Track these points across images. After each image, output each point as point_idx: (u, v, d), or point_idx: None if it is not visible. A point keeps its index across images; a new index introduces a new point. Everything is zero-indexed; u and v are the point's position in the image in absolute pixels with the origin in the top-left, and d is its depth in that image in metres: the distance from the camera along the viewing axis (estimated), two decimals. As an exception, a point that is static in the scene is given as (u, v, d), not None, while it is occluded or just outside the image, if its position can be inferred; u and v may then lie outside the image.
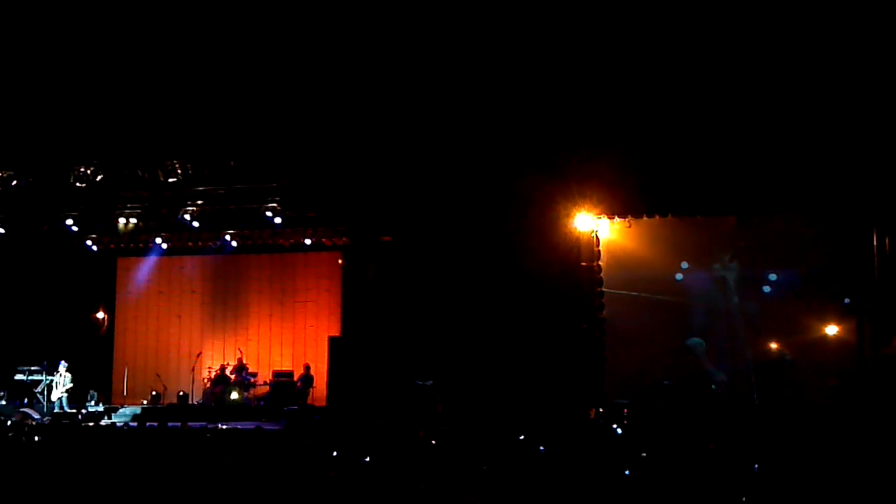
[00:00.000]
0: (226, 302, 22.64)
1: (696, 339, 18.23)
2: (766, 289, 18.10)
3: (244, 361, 21.09)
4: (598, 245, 18.11)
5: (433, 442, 12.57)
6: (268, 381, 20.70)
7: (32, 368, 20.31)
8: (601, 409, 16.97)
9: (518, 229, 17.97)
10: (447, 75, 16.87)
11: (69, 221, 20.43)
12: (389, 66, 16.75)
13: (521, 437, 12.67)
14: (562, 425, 15.03)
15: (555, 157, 17.25)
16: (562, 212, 17.80)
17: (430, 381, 17.95)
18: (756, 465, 9.94)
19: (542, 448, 11.47)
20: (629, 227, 18.11)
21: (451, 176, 17.95)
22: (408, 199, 18.51)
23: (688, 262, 18.46)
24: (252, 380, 20.77)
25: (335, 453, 11.78)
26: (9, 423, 16.74)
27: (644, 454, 11.10)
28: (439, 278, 18.98)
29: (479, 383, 17.58)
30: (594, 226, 18.04)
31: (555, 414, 16.16)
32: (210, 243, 21.63)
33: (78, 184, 19.12)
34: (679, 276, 18.48)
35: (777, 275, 18.04)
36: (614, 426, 15.17)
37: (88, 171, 19.12)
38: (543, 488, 9.82)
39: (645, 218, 17.92)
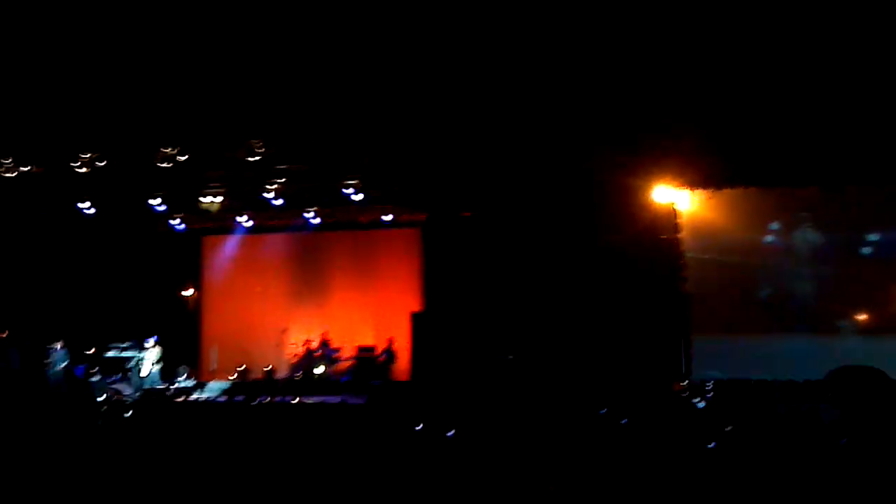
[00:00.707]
0: (309, 278, 22.99)
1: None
2: (866, 250, 17.76)
3: (328, 337, 21.44)
4: (678, 217, 18.00)
5: (515, 414, 12.71)
6: (351, 356, 21.05)
7: (123, 345, 20.90)
8: (686, 383, 16.91)
9: (597, 202, 17.96)
10: (523, 49, 16.85)
11: (155, 201, 20.94)
12: (467, 43, 16.79)
13: (603, 411, 12.75)
14: (645, 399, 15.04)
15: (633, 129, 17.17)
16: (641, 184, 17.74)
17: (512, 356, 18.02)
18: (843, 440, 9.89)
19: (624, 421, 11.55)
20: (710, 198, 17.96)
21: (529, 150, 17.97)
22: (486, 174, 18.58)
23: (774, 228, 18.21)
24: (336, 355, 21.14)
25: (419, 427, 12.00)
26: (101, 399, 17.37)
27: (729, 428, 11.11)
28: (519, 252, 19.05)
29: (561, 357, 17.63)
30: (674, 197, 17.93)
31: (638, 388, 16.16)
32: (292, 221, 21.89)
33: (163, 164, 19.57)
34: (769, 238, 18.20)
35: (868, 243, 17.74)
36: (696, 400, 15.13)
37: (173, 152, 19.53)
38: (626, 460, 9.91)
39: (727, 189, 17.74)
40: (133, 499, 9.81)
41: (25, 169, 20.05)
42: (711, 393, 15.72)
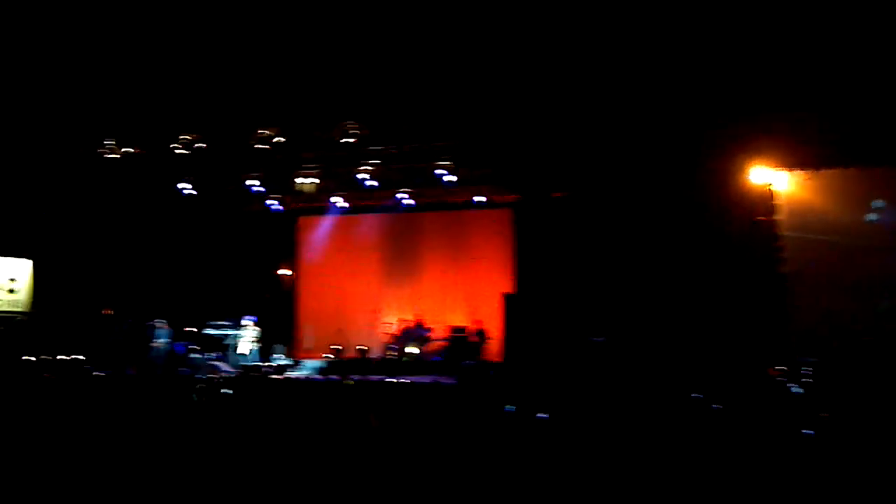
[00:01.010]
0: (401, 259, 23.27)
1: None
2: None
3: (420, 317, 21.68)
4: (775, 198, 17.66)
5: (607, 397, 12.69)
6: (443, 337, 21.20)
7: (222, 323, 21.37)
8: (782, 368, 16.61)
9: (692, 183, 17.74)
10: (618, 29, 16.70)
11: (252, 182, 21.36)
12: (560, 21, 16.71)
13: (696, 395, 12.65)
14: (739, 383, 14.86)
15: (731, 109, 16.89)
16: (737, 165, 17.46)
17: (604, 338, 17.95)
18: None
19: (716, 406, 11.45)
20: (809, 179, 17.57)
21: (623, 130, 17.82)
22: (579, 155, 18.48)
23: (876, 207, 17.67)
24: (428, 335, 21.35)
25: (510, 408, 12.07)
26: (199, 375, 17.84)
27: (825, 414, 10.94)
28: (612, 234, 18.94)
29: (654, 340, 17.48)
30: (771, 179, 17.59)
31: (732, 372, 15.96)
32: (385, 201, 22.12)
33: (260, 146, 19.96)
34: (871, 216, 17.65)
35: None
36: (792, 385, 14.87)
37: (270, 134, 19.90)
38: (718, 445, 9.84)
39: (826, 170, 17.32)
40: (229, 472, 10.09)
41: (128, 150, 20.65)
42: (808, 378, 15.42)
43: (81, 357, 19.53)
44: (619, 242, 18.81)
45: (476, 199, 21.47)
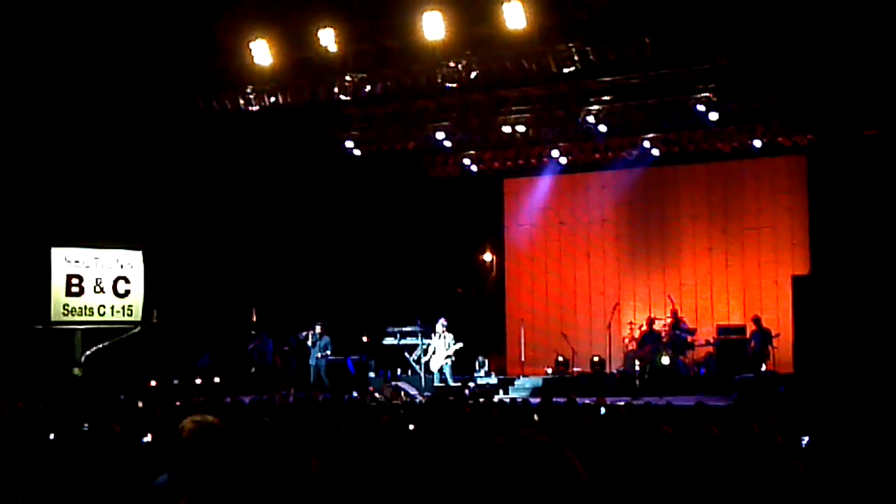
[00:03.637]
0: (648, 233, 23.15)
1: None
2: None
3: (679, 314, 21.35)
4: None
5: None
6: (710, 340, 20.93)
7: (405, 329, 21.57)
8: None
9: None
10: None
11: (440, 135, 21.49)
12: None
13: None
14: None
15: None
16: None
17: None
18: None
19: None
20: None
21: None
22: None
23: None
24: (688, 338, 21.05)
25: (806, 440, 11.59)
26: (376, 401, 18.01)
27: None
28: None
29: None
30: None
31: None
32: (624, 153, 22.08)
33: (448, 83, 19.98)
34: None
35: None
36: None
37: (460, 67, 19.84)
38: None
39: None
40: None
41: (272, 100, 20.94)
42: None
43: (217, 380, 20.14)
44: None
45: (754, 143, 21.10)
